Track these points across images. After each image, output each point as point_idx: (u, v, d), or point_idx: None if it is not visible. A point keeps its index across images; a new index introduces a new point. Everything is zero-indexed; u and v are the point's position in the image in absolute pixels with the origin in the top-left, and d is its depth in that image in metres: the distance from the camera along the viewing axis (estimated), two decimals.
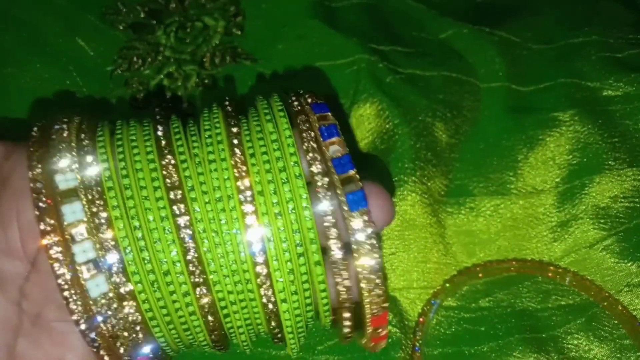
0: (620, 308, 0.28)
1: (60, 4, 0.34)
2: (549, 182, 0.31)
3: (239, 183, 0.20)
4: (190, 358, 0.27)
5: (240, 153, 0.20)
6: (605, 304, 0.28)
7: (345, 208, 0.20)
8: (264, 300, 0.20)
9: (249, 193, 0.20)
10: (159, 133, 0.21)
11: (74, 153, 0.20)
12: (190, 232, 0.19)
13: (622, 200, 0.30)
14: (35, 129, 0.21)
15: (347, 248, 0.20)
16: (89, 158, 0.20)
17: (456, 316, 0.28)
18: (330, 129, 0.20)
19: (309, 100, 0.21)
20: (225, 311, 0.21)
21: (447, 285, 0.29)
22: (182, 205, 0.19)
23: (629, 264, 0.29)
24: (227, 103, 0.22)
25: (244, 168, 0.20)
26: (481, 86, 0.33)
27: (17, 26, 0.32)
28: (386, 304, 0.20)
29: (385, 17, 0.35)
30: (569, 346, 0.28)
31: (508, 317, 0.28)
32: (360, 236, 0.20)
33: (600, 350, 0.28)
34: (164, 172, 0.20)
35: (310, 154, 0.20)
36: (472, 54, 0.33)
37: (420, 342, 0.27)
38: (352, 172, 0.20)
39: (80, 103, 0.32)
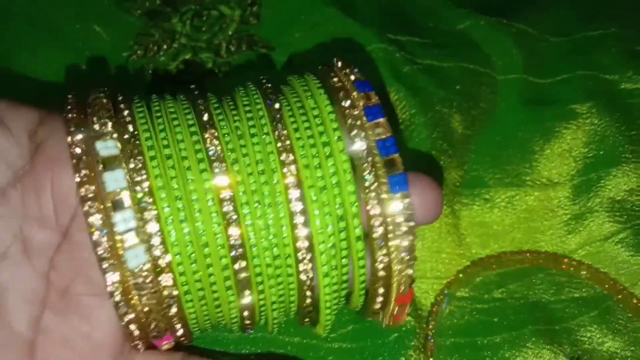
0: (635, 301, 0.28)
1: None
2: (564, 175, 0.31)
3: (282, 157, 0.20)
4: (203, 342, 0.27)
5: (282, 127, 0.20)
6: (619, 296, 0.28)
7: (385, 189, 0.20)
8: (302, 276, 0.20)
9: (293, 167, 0.20)
10: (201, 107, 0.20)
11: (113, 120, 0.20)
12: (233, 205, 0.19)
13: (638, 193, 0.30)
14: (71, 96, 0.21)
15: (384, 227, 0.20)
16: (130, 127, 0.20)
17: (469, 307, 0.29)
18: (374, 109, 0.20)
19: (352, 77, 0.21)
20: (260, 287, 0.21)
21: (461, 275, 0.29)
22: (224, 177, 0.19)
23: None
24: (264, 80, 0.22)
25: (288, 142, 0.20)
26: (498, 78, 0.33)
27: (32, 12, 0.33)
28: (413, 283, 0.21)
29: (401, 7, 0.35)
30: (583, 338, 0.28)
31: (521, 308, 0.28)
32: (398, 218, 0.20)
33: (613, 343, 0.28)
34: (207, 145, 0.20)
35: (354, 131, 0.20)
36: (489, 45, 0.33)
37: (433, 331, 0.27)
38: (395, 155, 0.20)
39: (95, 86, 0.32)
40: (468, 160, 0.31)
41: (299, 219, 0.20)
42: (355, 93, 0.21)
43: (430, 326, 0.27)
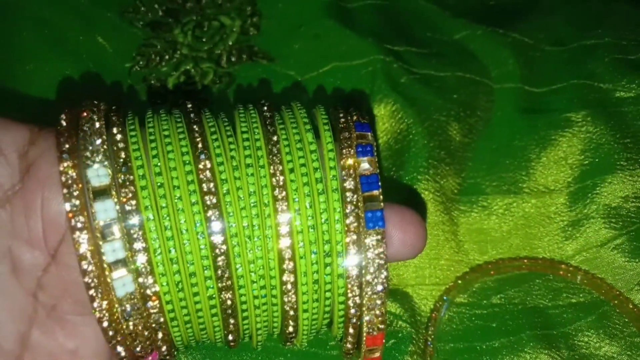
0: (631, 306, 0.28)
1: (80, 3, 0.34)
2: (560, 182, 0.31)
3: (276, 192, 0.20)
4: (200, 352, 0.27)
5: (278, 161, 0.20)
6: (615, 302, 0.29)
7: (362, 224, 0.20)
8: (287, 307, 0.21)
9: (285, 204, 0.20)
10: (196, 133, 0.20)
11: (105, 146, 0.20)
12: (222, 237, 0.19)
13: (634, 200, 0.30)
14: (63, 115, 0.21)
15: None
16: (122, 154, 0.20)
17: (468, 312, 0.29)
18: (367, 148, 0.21)
19: (354, 117, 0.22)
20: (245, 314, 0.21)
21: (459, 282, 0.29)
22: (215, 211, 0.19)
23: (639, 263, 0.29)
24: (265, 107, 0.22)
25: (282, 178, 0.20)
26: (494, 87, 0.33)
27: (38, 24, 0.33)
28: (383, 326, 0.21)
29: (399, 17, 0.35)
30: (580, 343, 0.28)
31: (519, 314, 0.29)
32: (370, 254, 0.20)
33: (610, 348, 0.28)
34: (200, 176, 0.20)
35: (346, 170, 0.21)
36: (485, 55, 0.34)
37: (432, 337, 0.28)
38: (376, 192, 0.20)
39: (99, 98, 0.33)
40: (465, 168, 0.31)
41: (287, 254, 0.20)
42: (353, 133, 0.21)
43: (430, 332, 0.28)
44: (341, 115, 0.22)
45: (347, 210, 0.20)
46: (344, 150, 0.21)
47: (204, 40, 0.35)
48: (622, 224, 0.30)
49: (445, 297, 0.29)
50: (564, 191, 0.31)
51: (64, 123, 0.20)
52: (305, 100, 0.32)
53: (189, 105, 0.22)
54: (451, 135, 0.31)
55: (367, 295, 0.20)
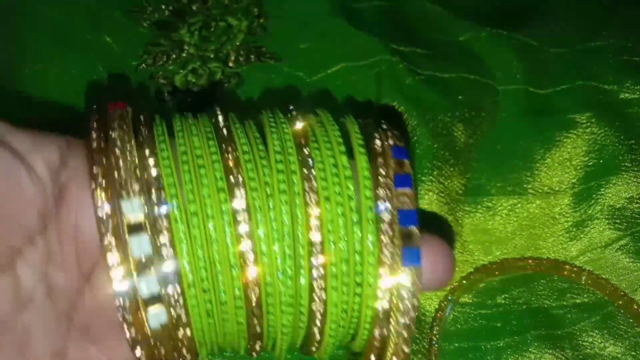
0: (636, 307, 0.28)
1: (87, 2, 0.35)
2: (565, 183, 0.31)
3: (311, 221, 0.20)
4: None
5: (313, 191, 0.20)
6: (620, 302, 0.29)
7: (397, 259, 0.20)
8: (314, 330, 0.21)
9: (318, 234, 0.20)
10: (229, 156, 0.20)
11: (139, 173, 0.19)
12: (255, 269, 0.19)
13: (638, 201, 0.30)
14: (94, 133, 0.20)
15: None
16: (155, 183, 0.19)
17: (473, 312, 0.29)
18: (405, 178, 0.21)
19: (391, 140, 0.21)
20: (272, 335, 0.21)
21: (464, 282, 0.29)
22: (249, 242, 0.19)
23: None
24: (298, 123, 0.21)
25: (317, 210, 0.20)
26: (499, 88, 0.33)
27: (45, 23, 0.33)
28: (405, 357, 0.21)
29: (405, 19, 0.36)
30: (584, 343, 0.28)
31: (524, 314, 0.29)
32: (404, 293, 0.20)
33: (615, 348, 0.28)
34: (234, 206, 0.19)
35: (382, 200, 0.20)
36: (490, 56, 0.34)
37: (437, 336, 0.28)
38: (414, 228, 0.20)
39: (106, 96, 0.33)
40: (470, 168, 0.32)
41: (318, 285, 0.20)
42: (390, 159, 0.21)
43: (435, 331, 0.28)
44: (376, 136, 0.21)
45: (383, 243, 0.20)
46: (381, 179, 0.20)
47: (211, 40, 0.35)
48: (627, 224, 0.30)
49: (449, 297, 0.29)
50: (568, 192, 0.31)
51: (94, 144, 0.20)
52: (314, 101, 0.32)
53: (219, 116, 0.21)
54: (456, 136, 0.32)
55: (394, 329, 0.20)
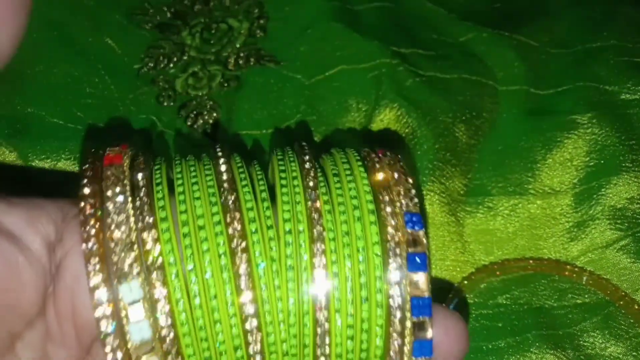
0: (636, 307, 0.28)
1: (89, 5, 0.35)
2: (566, 183, 0.31)
3: (315, 261, 0.19)
4: None
5: (320, 232, 0.19)
6: (621, 302, 0.29)
7: (409, 349, 0.19)
8: None
9: (325, 312, 0.19)
10: (233, 215, 0.19)
11: (137, 251, 0.19)
12: (257, 320, 0.19)
13: (639, 201, 0.30)
14: (87, 206, 0.19)
15: None
16: (154, 252, 0.19)
17: (474, 312, 0.29)
18: (420, 257, 0.19)
19: (403, 201, 0.20)
20: None
21: (465, 282, 0.29)
22: (249, 292, 0.18)
23: None
24: (307, 165, 0.20)
25: (323, 254, 0.19)
26: (500, 89, 0.33)
27: (48, 26, 0.34)
28: None
29: (405, 20, 0.36)
30: (585, 344, 0.28)
31: (525, 314, 0.29)
32: None
33: (615, 349, 0.28)
34: (236, 262, 0.19)
35: (394, 285, 0.19)
36: (491, 57, 0.34)
37: None
38: (427, 319, 0.19)
39: (107, 101, 0.33)
40: (472, 169, 0.32)
41: (321, 330, 0.19)
42: (403, 229, 0.20)
43: None
44: (387, 198, 0.20)
45: (392, 337, 0.19)
46: (391, 261, 0.19)
47: (211, 42, 0.35)
48: (628, 225, 0.30)
49: (451, 297, 0.29)
50: (569, 192, 0.31)
51: (87, 223, 0.19)
52: (312, 103, 0.32)
53: (224, 174, 0.20)
54: (457, 136, 0.32)
55: None
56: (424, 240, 0.19)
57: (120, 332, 0.18)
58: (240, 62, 0.34)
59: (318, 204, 0.20)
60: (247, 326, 0.18)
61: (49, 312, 0.20)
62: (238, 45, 0.35)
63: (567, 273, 0.30)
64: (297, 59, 0.33)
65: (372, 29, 0.34)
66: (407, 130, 0.31)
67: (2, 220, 0.19)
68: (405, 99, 0.31)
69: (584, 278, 0.30)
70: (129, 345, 0.18)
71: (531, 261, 0.30)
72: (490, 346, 0.28)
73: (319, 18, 0.34)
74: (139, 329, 0.18)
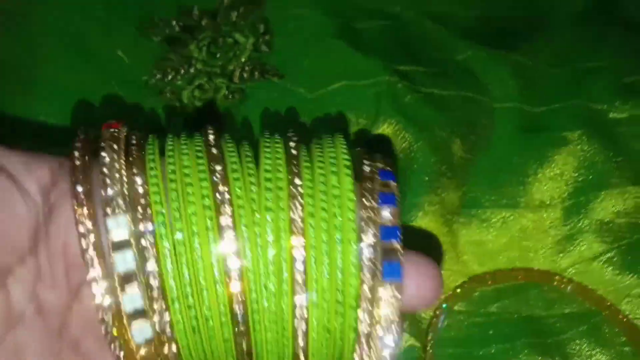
0: (621, 317, 0.30)
1: (102, 16, 0.36)
2: (556, 197, 0.32)
3: (293, 239, 0.20)
4: None
5: (300, 207, 0.20)
6: (607, 312, 0.30)
7: (379, 275, 0.20)
8: (298, 351, 0.21)
9: (302, 250, 0.20)
10: (216, 177, 0.20)
11: (126, 192, 0.20)
12: (240, 286, 0.20)
13: (625, 216, 0.32)
14: (76, 153, 0.20)
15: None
16: (142, 200, 0.20)
17: (466, 320, 0.30)
18: (389, 196, 0.21)
19: (379, 165, 0.22)
20: (260, 352, 0.21)
21: (458, 291, 0.31)
22: (236, 259, 0.19)
23: (630, 276, 0.31)
24: (291, 143, 0.22)
25: (301, 225, 0.20)
26: (495, 106, 0.35)
27: (62, 34, 0.34)
28: None
29: (406, 38, 0.37)
30: (572, 351, 0.29)
31: (515, 322, 0.30)
32: (383, 307, 0.20)
33: (601, 356, 0.29)
34: (220, 222, 0.20)
35: (365, 222, 0.20)
36: (487, 75, 0.35)
37: (431, 342, 0.29)
38: (395, 243, 0.20)
39: (115, 110, 0.34)
40: (466, 182, 0.33)
41: (301, 301, 0.20)
42: (377, 181, 0.21)
43: (429, 337, 0.29)
44: (366, 161, 0.22)
45: (364, 261, 0.20)
46: (365, 200, 0.20)
47: (217, 56, 0.36)
48: (614, 238, 0.31)
49: (444, 305, 0.30)
50: (559, 206, 0.32)
51: (77, 162, 0.20)
52: (313, 116, 0.33)
53: (210, 135, 0.21)
54: (453, 151, 0.33)
55: (374, 352, 0.20)
56: (395, 185, 0.21)
57: (106, 264, 0.19)
58: (245, 75, 0.36)
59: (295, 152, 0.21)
60: (228, 264, 0.19)
61: (40, 252, 0.20)
62: (243, 59, 0.36)
63: (556, 284, 0.31)
64: (300, 74, 0.35)
65: (374, 46, 0.35)
66: (404, 145, 0.32)
67: (2, 162, 0.20)
68: (403, 115, 0.33)
69: (572, 288, 0.31)
70: (114, 276, 0.19)
71: (522, 272, 0.31)
72: (481, 352, 0.29)
73: (322, 35, 0.35)
74: (123, 259, 0.19)
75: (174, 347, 0.20)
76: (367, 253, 0.20)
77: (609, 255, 0.31)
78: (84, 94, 0.34)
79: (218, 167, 0.20)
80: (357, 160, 0.22)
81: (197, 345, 0.21)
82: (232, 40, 0.37)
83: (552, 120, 0.34)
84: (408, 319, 0.30)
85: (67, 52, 0.34)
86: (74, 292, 0.21)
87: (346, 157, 0.21)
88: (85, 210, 0.19)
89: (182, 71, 0.36)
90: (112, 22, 0.36)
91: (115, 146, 0.20)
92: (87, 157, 0.21)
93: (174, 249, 0.20)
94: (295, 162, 0.21)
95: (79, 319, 0.21)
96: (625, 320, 0.30)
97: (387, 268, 0.20)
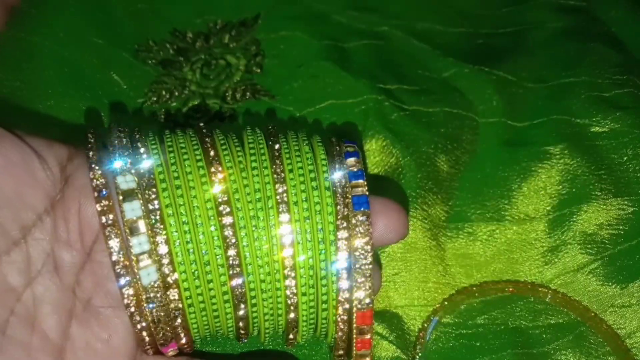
0: (605, 327, 0.30)
1: (98, 42, 0.37)
2: (540, 210, 0.33)
3: (277, 187, 0.23)
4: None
5: (279, 163, 0.24)
6: (591, 323, 0.31)
7: (351, 209, 0.23)
8: (288, 291, 0.23)
9: (285, 196, 0.23)
10: (208, 144, 0.24)
11: (131, 158, 0.23)
12: (232, 230, 0.23)
13: (608, 227, 0.32)
14: (91, 135, 0.24)
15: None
16: (146, 163, 0.23)
17: (454, 332, 0.31)
18: (353, 153, 0.25)
19: (343, 141, 0.26)
20: (254, 301, 0.24)
21: (446, 303, 0.31)
22: (226, 206, 0.23)
23: (613, 287, 0.31)
24: (270, 127, 0.26)
25: (283, 175, 0.23)
26: (480, 121, 0.36)
27: (59, 63, 0.36)
28: (371, 305, 0.23)
29: (392, 56, 0.38)
30: None
31: (502, 333, 0.31)
32: (359, 241, 0.23)
33: None
34: (212, 178, 0.23)
35: (336, 166, 0.24)
36: (471, 91, 0.36)
37: (419, 354, 0.30)
38: (361, 182, 0.24)
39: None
40: (452, 196, 0.34)
41: (287, 241, 0.23)
42: (342, 145, 0.25)
43: (417, 349, 0.30)
44: (333, 140, 0.26)
45: (337, 195, 0.24)
46: (335, 154, 0.25)
47: (211, 77, 0.38)
48: (597, 249, 0.32)
49: (432, 318, 0.31)
50: (543, 219, 0.33)
51: (92, 139, 0.24)
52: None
53: (201, 125, 0.25)
54: (438, 166, 0.34)
55: (356, 283, 0.23)
56: (357, 147, 0.25)
57: (116, 212, 0.22)
58: (237, 96, 0.37)
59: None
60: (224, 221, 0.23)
61: (57, 213, 0.23)
62: (235, 81, 0.37)
63: (541, 295, 0.32)
64: (290, 94, 0.36)
65: (361, 66, 0.36)
66: (391, 160, 0.33)
67: (26, 139, 0.23)
68: (390, 131, 0.34)
69: (557, 300, 0.31)
70: (123, 222, 0.22)
71: (508, 284, 0.32)
72: None
73: (311, 56, 0.36)
74: (131, 208, 0.22)
75: (176, 293, 0.23)
76: (339, 189, 0.24)
77: (592, 266, 0.32)
78: (81, 120, 0.35)
79: (208, 139, 0.24)
80: (326, 143, 0.26)
81: (198, 291, 0.23)
82: (225, 62, 0.38)
83: (535, 134, 0.35)
84: (395, 330, 0.30)
85: (65, 81, 0.35)
86: (87, 253, 0.23)
87: (318, 138, 0.25)
88: (99, 171, 0.23)
89: (177, 93, 0.37)
90: (109, 48, 0.37)
91: (121, 132, 0.24)
92: (99, 140, 0.24)
93: (174, 202, 0.23)
94: (273, 135, 0.25)
95: (91, 277, 0.23)
96: (609, 330, 0.30)
97: (356, 200, 0.23)
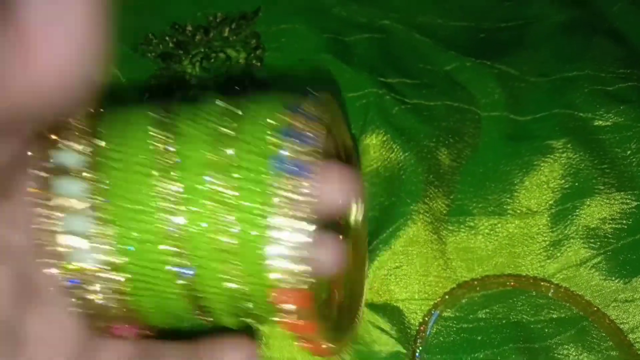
0: (608, 322, 0.30)
1: None
2: (542, 204, 0.33)
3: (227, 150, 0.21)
4: None
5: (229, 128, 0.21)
6: (593, 317, 0.30)
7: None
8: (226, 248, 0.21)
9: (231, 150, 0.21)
10: (154, 115, 0.22)
11: (75, 135, 0.21)
12: (174, 204, 0.21)
13: (611, 222, 0.32)
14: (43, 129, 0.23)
15: None
16: (85, 139, 0.21)
17: (455, 326, 0.31)
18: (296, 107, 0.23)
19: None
20: (199, 279, 0.22)
21: (447, 297, 0.31)
22: (169, 185, 0.21)
23: (616, 281, 0.31)
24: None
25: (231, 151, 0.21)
26: (482, 115, 0.35)
27: None
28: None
29: (393, 50, 0.38)
30: (560, 356, 0.30)
31: (503, 328, 0.30)
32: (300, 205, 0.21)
33: None
34: (156, 157, 0.21)
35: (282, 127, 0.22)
36: (474, 85, 0.36)
37: (420, 349, 0.29)
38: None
39: None
40: (454, 190, 0.34)
41: (230, 219, 0.21)
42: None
43: (418, 343, 0.29)
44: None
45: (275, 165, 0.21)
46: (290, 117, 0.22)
47: (210, 71, 0.37)
48: (600, 244, 0.32)
49: (433, 311, 0.31)
50: (545, 213, 0.33)
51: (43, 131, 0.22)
52: None
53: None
54: (440, 159, 0.34)
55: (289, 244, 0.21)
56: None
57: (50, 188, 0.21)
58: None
59: None
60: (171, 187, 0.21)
61: (10, 197, 0.21)
62: (235, 74, 0.37)
63: (543, 289, 0.31)
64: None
65: (362, 59, 0.36)
66: (392, 155, 0.33)
67: None
68: (391, 125, 0.33)
69: (559, 294, 0.31)
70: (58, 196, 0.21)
71: (510, 278, 0.32)
72: (469, 358, 0.30)
73: (312, 50, 0.36)
74: (67, 184, 0.21)
75: (121, 276, 0.21)
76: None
77: (595, 260, 0.32)
78: None
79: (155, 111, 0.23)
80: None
81: (143, 271, 0.21)
82: (225, 55, 0.38)
83: (537, 128, 0.34)
84: (396, 325, 0.30)
85: None
86: (37, 237, 0.22)
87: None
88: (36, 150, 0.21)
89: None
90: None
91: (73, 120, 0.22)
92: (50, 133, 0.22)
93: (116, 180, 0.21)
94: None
95: (41, 265, 0.22)
96: (611, 324, 0.30)
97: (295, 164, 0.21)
